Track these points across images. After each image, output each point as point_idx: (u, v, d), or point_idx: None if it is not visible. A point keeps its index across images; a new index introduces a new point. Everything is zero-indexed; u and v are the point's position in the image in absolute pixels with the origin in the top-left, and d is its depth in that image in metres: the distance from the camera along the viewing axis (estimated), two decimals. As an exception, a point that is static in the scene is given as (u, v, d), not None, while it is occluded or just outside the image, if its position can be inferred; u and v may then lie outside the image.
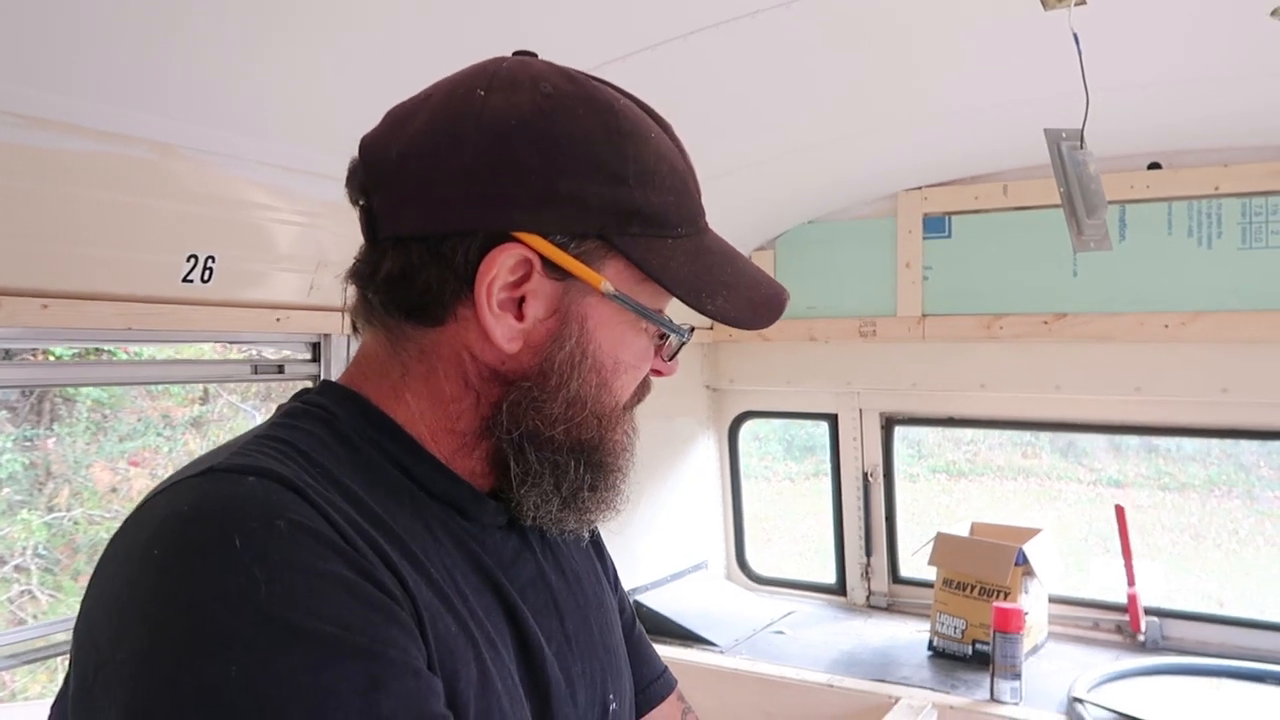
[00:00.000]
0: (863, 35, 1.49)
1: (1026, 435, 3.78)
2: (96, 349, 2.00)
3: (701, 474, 2.65)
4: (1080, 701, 1.76)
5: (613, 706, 0.76)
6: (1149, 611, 2.15)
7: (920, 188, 2.27)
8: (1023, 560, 2.04)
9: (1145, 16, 1.45)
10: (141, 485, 3.59)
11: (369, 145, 0.67)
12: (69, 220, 1.20)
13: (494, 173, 0.62)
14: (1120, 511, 2.17)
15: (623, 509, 0.72)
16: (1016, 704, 1.82)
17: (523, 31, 1.28)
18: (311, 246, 1.49)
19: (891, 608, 2.47)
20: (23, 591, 3.34)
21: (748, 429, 2.73)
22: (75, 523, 3.47)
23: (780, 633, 2.30)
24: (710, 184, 0.73)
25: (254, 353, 1.73)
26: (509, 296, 0.64)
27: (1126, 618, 2.16)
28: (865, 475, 2.47)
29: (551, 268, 0.63)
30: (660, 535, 2.46)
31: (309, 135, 1.34)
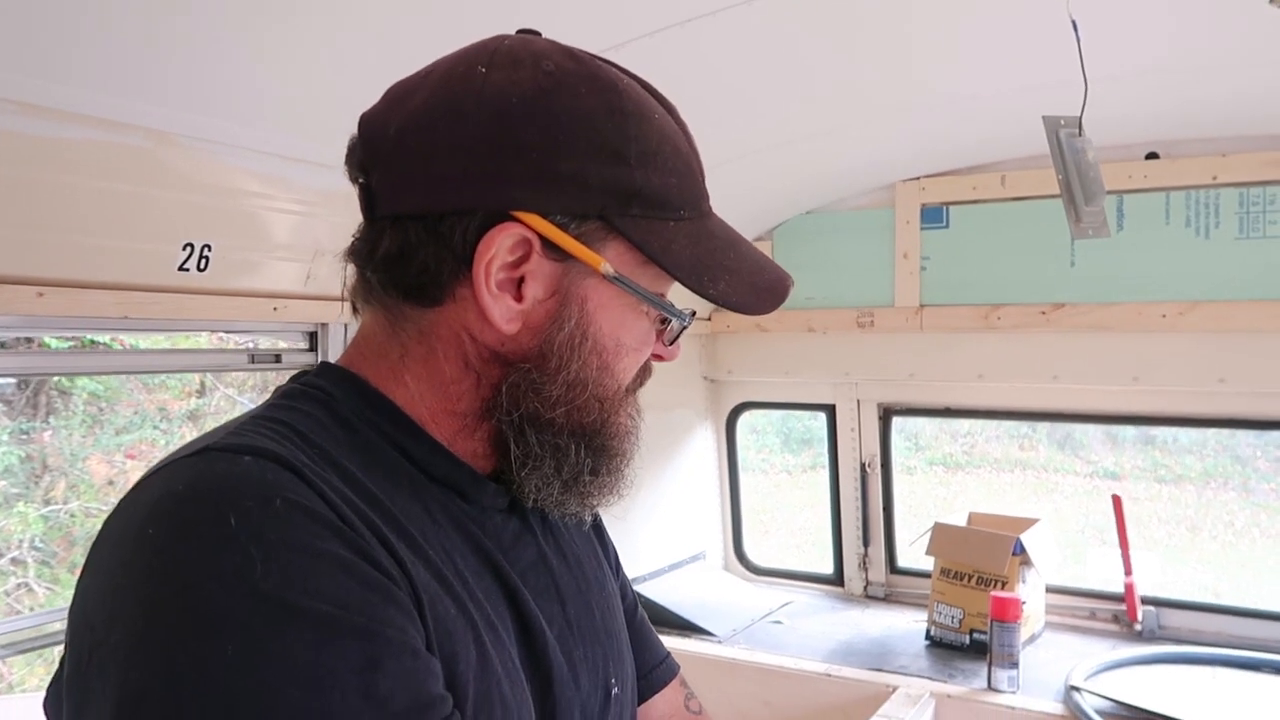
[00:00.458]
0: (858, 23, 1.48)
1: (1023, 427, 3.78)
2: (92, 340, 2.00)
3: (699, 465, 2.65)
4: (1077, 690, 1.77)
5: (615, 691, 0.75)
6: (1146, 601, 2.16)
7: (918, 178, 2.27)
8: (1020, 550, 2.04)
9: (1143, 2, 1.45)
10: (138, 478, 3.58)
11: (368, 122, 0.66)
12: (65, 208, 1.19)
13: (494, 151, 0.61)
14: (1117, 501, 2.17)
15: (626, 493, 0.71)
16: (1014, 693, 1.82)
17: (520, 20, 1.28)
18: (308, 236, 1.49)
19: (889, 598, 2.48)
20: (19, 584, 3.34)
21: (745, 421, 2.73)
22: (72, 515, 3.47)
23: (778, 623, 2.30)
24: (707, 173, 0.73)
25: (250, 343, 1.72)
26: (508, 277, 0.63)
27: (1123, 607, 2.16)
28: (863, 466, 2.47)
29: (551, 248, 0.62)
30: (658, 526, 2.46)
31: (305, 124, 1.33)
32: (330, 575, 0.52)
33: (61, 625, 1.41)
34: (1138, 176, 2.04)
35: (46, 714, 0.58)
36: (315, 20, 1.16)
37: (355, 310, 0.70)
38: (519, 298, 0.63)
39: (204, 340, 1.84)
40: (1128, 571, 2.15)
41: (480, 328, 0.64)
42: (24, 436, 3.53)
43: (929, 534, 2.19)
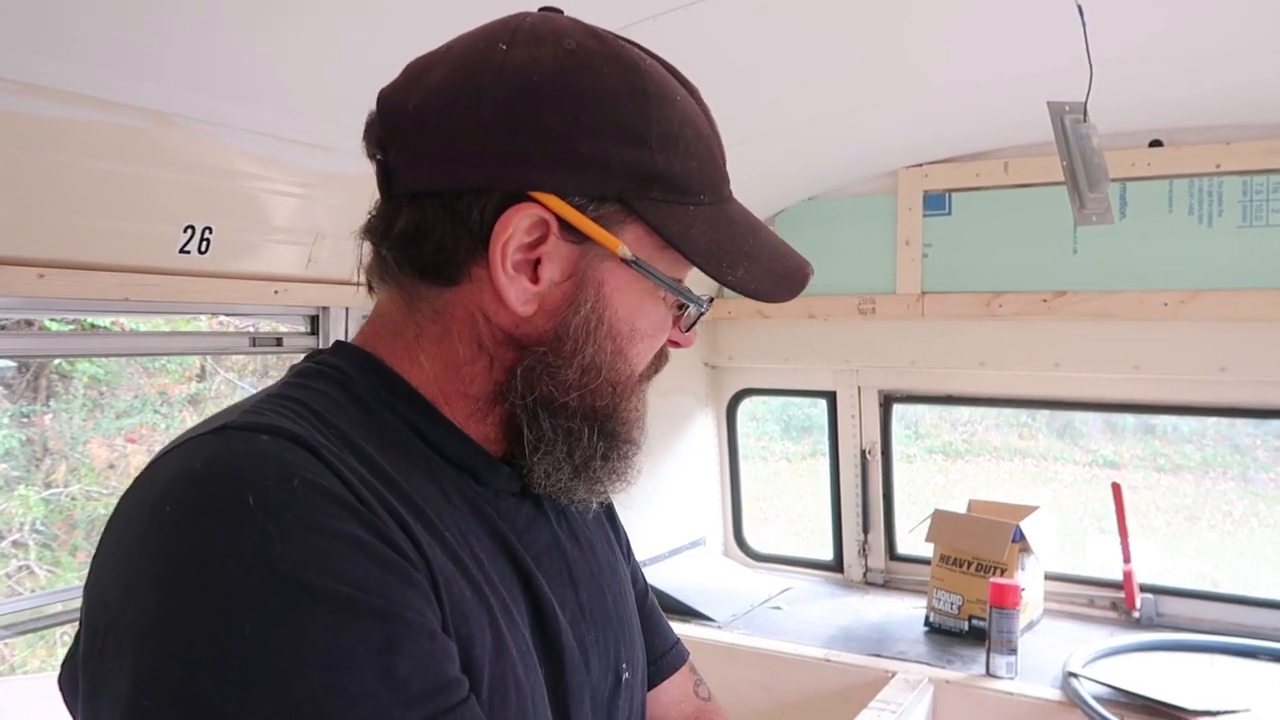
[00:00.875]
0: (860, 8, 1.47)
1: (1023, 416, 3.77)
2: (92, 324, 2.00)
3: (700, 451, 2.65)
4: (1075, 676, 1.77)
5: (625, 676, 0.75)
6: (1144, 589, 2.16)
7: (921, 165, 2.26)
8: (1020, 537, 2.04)
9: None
10: (139, 461, 3.58)
11: (386, 98, 0.65)
12: (65, 189, 1.19)
13: (512, 129, 0.60)
14: (1117, 489, 2.18)
15: (634, 480, 0.71)
16: (1012, 679, 1.83)
17: (519, 3, 1.27)
18: (308, 218, 1.49)
19: (888, 584, 2.49)
20: (21, 567, 3.35)
21: (745, 408, 2.73)
22: (73, 499, 3.47)
23: (778, 608, 2.31)
24: (712, 157, 0.72)
25: (251, 326, 1.72)
26: (524, 258, 0.62)
27: (1122, 595, 2.17)
28: (863, 453, 2.47)
29: (569, 230, 0.62)
30: (659, 512, 2.46)
31: (301, 105, 1.33)
32: (348, 556, 0.51)
33: (62, 607, 1.42)
34: (1141, 164, 2.03)
35: (61, 691, 0.58)
36: (312, 1, 1.15)
37: (370, 289, 0.69)
38: (535, 279, 0.63)
39: (204, 323, 1.84)
40: (1127, 559, 2.15)
41: (495, 309, 0.63)
42: (24, 420, 3.53)
43: (929, 521, 2.19)
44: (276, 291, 1.50)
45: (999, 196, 2.20)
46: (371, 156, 0.65)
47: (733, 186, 0.70)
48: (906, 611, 2.27)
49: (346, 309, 1.67)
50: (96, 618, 0.52)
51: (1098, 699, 1.69)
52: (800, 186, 2.37)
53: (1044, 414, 3.56)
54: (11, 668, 3.03)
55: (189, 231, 1.34)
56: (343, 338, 1.68)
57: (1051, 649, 1.97)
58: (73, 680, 0.55)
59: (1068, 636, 2.05)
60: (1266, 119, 1.92)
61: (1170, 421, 3.24)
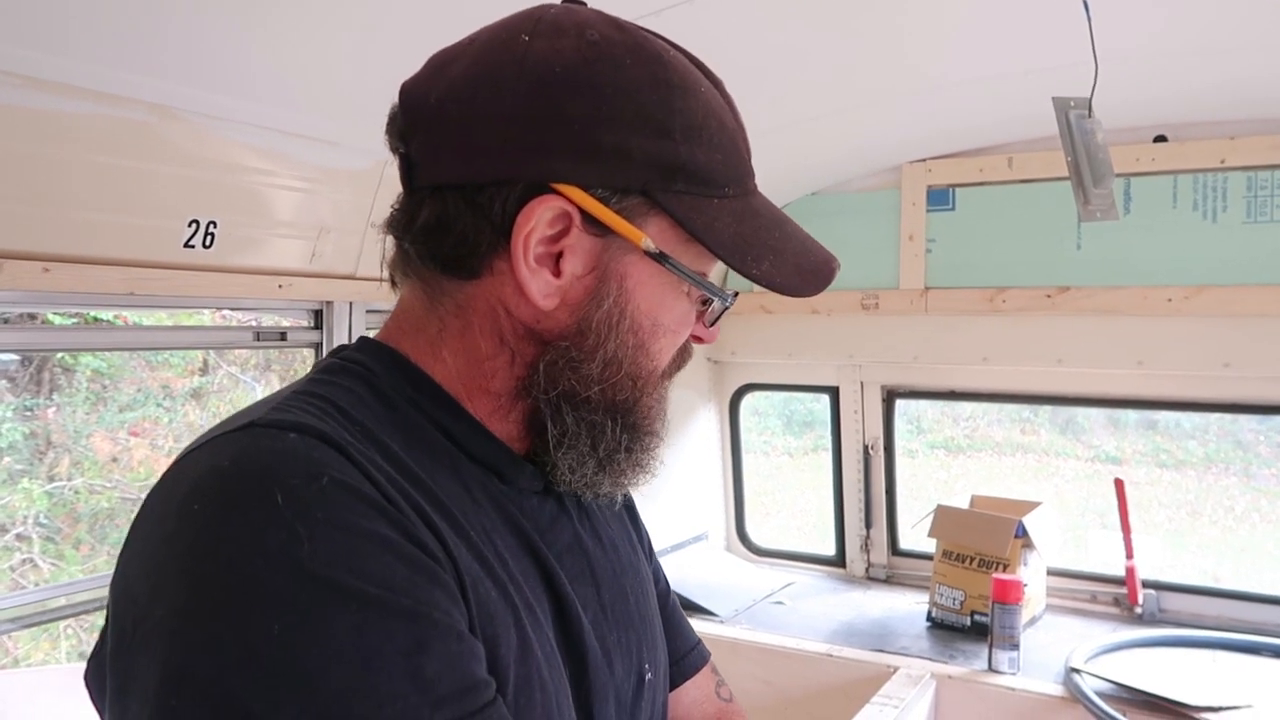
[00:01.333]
0: (863, 3, 1.47)
1: (1025, 411, 3.77)
2: (95, 318, 2.00)
3: (702, 446, 2.65)
4: (1077, 672, 1.77)
5: (648, 677, 0.74)
6: (1146, 584, 2.16)
7: (924, 160, 2.26)
8: (1022, 533, 2.04)
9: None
10: (142, 455, 3.59)
11: (409, 90, 0.64)
12: (70, 184, 1.19)
13: (534, 121, 0.59)
14: (1119, 485, 2.18)
15: (656, 473, 0.70)
16: (1014, 674, 1.83)
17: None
18: (311, 213, 1.48)
19: (890, 579, 2.49)
20: (24, 560, 3.35)
21: (747, 403, 2.73)
22: (76, 492, 3.48)
23: (780, 603, 2.31)
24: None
25: (254, 321, 1.72)
26: (546, 251, 0.61)
27: (1124, 590, 2.17)
28: (866, 448, 2.47)
29: (591, 222, 0.61)
30: (661, 507, 2.46)
31: (309, 100, 1.33)
32: (376, 556, 0.51)
33: (65, 601, 1.42)
34: (1145, 159, 2.03)
35: (88, 686, 0.58)
36: (320, -5, 1.15)
37: (394, 284, 0.68)
38: (557, 273, 0.62)
39: (207, 318, 1.84)
40: (1129, 555, 2.15)
41: (516, 302, 0.63)
42: (28, 413, 3.54)
43: (931, 516, 2.19)
44: (281, 286, 1.50)
45: (1003, 192, 2.19)
46: (394, 150, 0.65)
47: (735, 182, 0.68)
48: (909, 607, 2.27)
49: (350, 303, 1.67)
50: (124, 614, 0.52)
51: (1100, 694, 1.69)
52: (803, 182, 2.37)
53: (1046, 409, 3.56)
54: (15, 660, 3.04)
55: (194, 226, 1.35)
56: (346, 332, 1.68)
57: (1054, 644, 1.97)
58: (100, 677, 0.55)
59: (1070, 632, 2.05)
60: (1271, 114, 1.92)
61: (1173, 417, 3.24)
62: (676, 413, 2.52)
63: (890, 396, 2.45)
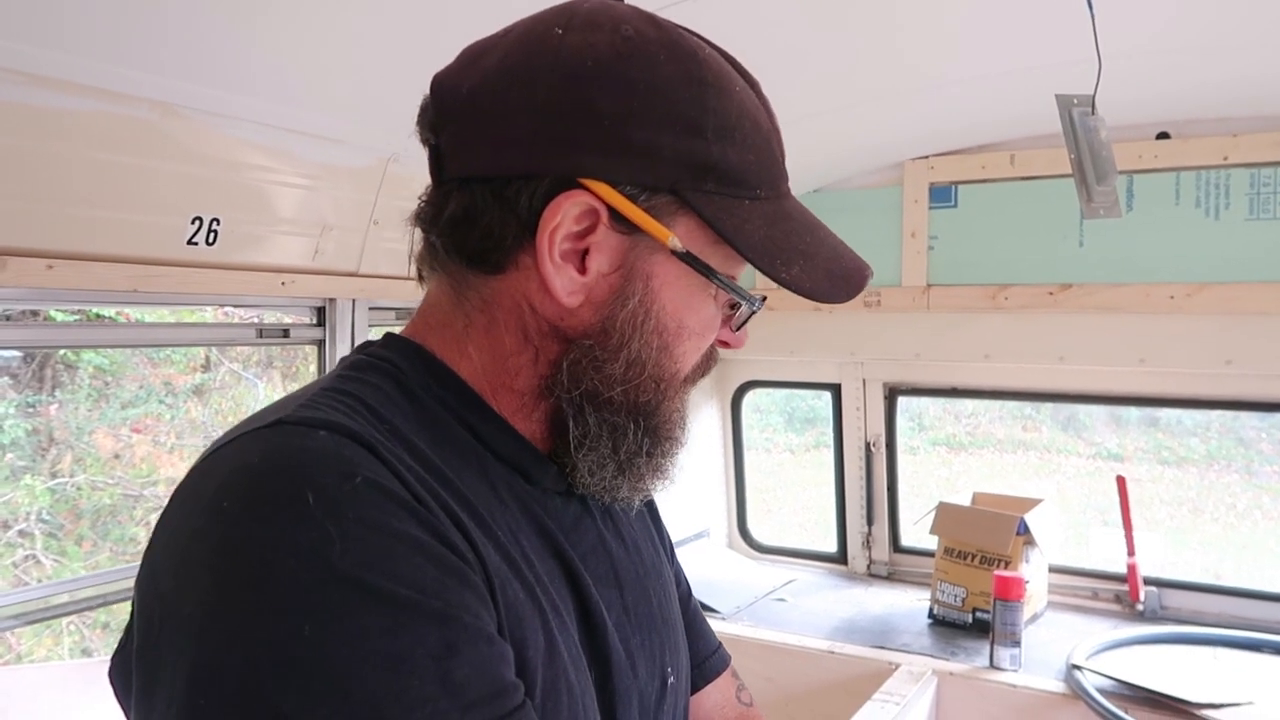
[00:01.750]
0: (864, 1, 1.47)
1: (1027, 409, 3.77)
2: (98, 314, 2.00)
3: (704, 443, 2.65)
4: (1079, 669, 1.78)
5: (671, 680, 0.73)
6: (1148, 581, 2.16)
7: (926, 157, 2.26)
8: (1024, 530, 2.04)
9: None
10: (144, 452, 3.59)
11: (441, 82, 0.63)
12: (73, 180, 1.19)
13: (565, 115, 0.58)
14: (1121, 482, 2.18)
15: (676, 479, 0.69)
16: (1016, 671, 1.83)
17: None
18: (314, 210, 1.49)
19: (892, 576, 2.49)
20: (27, 556, 3.36)
21: (749, 400, 2.73)
22: (78, 488, 3.48)
23: (781, 600, 2.31)
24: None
25: (256, 318, 1.72)
26: (572, 248, 0.60)
27: (1125, 587, 2.17)
28: (868, 445, 2.47)
29: (619, 220, 0.60)
30: (663, 503, 2.46)
31: (312, 97, 1.33)
32: (407, 557, 0.50)
33: (69, 597, 1.43)
34: (1148, 156, 2.02)
35: (112, 683, 0.58)
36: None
37: (421, 278, 0.68)
38: (582, 270, 0.61)
39: (209, 315, 1.84)
40: (1131, 552, 2.15)
41: (541, 299, 0.62)
42: (30, 410, 3.54)
43: (933, 513, 2.19)
44: (283, 283, 1.50)
45: (1005, 189, 2.19)
46: (424, 141, 0.64)
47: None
48: (910, 604, 2.27)
49: (353, 300, 1.67)
50: (151, 611, 0.51)
51: (1101, 691, 1.69)
52: (805, 179, 2.36)
53: (1048, 406, 3.56)
54: (18, 656, 3.05)
55: (197, 223, 1.35)
56: (348, 328, 1.68)
57: (1055, 641, 1.97)
58: (124, 673, 0.54)
59: (1071, 629, 2.06)
60: (1274, 111, 1.91)
61: (1175, 414, 3.23)
62: (678, 410, 2.52)
63: (892, 393, 2.45)
